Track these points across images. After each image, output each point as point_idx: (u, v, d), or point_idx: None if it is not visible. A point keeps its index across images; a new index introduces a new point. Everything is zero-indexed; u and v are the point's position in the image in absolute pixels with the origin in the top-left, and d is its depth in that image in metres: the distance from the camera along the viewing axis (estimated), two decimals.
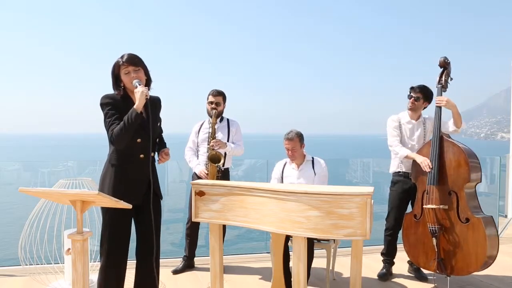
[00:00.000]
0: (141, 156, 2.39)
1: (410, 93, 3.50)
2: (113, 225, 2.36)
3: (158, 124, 2.55)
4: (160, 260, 4.02)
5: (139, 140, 2.36)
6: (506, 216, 6.24)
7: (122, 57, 2.37)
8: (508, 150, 6.69)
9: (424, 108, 3.53)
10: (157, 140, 2.64)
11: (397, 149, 3.47)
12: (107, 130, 2.31)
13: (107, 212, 2.36)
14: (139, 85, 2.33)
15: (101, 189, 2.36)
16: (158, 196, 2.52)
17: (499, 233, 5.14)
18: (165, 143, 2.75)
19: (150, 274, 2.47)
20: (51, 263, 3.45)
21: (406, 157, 3.40)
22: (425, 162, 3.21)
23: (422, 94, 3.45)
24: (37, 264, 3.39)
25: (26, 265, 3.41)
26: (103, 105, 2.35)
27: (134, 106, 2.29)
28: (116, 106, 2.34)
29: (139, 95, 2.28)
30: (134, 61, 2.37)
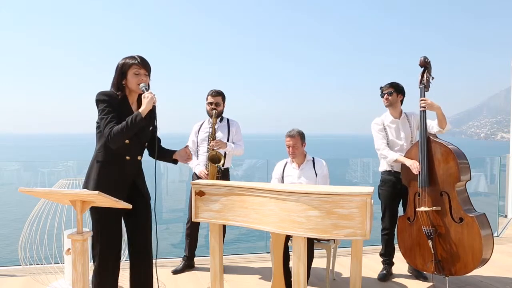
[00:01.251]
0: (127, 157, 2.39)
1: (382, 91, 3.53)
2: (104, 227, 2.35)
3: (150, 128, 2.51)
4: (160, 260, 4.04)
5: (127, 141, 2.34)
6: (506, 216, 6.24)
7: (134, 57, 2.37)
8: (508, 150, 6.69)
9: (401, 101, 3.53)
10: (148, 144, 2.58)
11: (385, 152, 3.47)
12: (103, 127, 2.29)
13: (96, 214, 2.34)
14: (147, 90, 2.34)
15: (85, 186, 2.35)
16: (145, 197, 2.50)
17: (499, 233, 5.15)
18: (167, 149, 2.68)
19: (145, 275, 2.46)
20: (51, 263, 3.45)
21: (395, 161, 3.41)
22: (414, 165, 3.21)
23: (393, 88, 3.48)
24: (37, 264, 3.39)
25: (26, 265, 3.41)
26: (99, 101, 2.33)
27: (140, 110, 2.29)
28: (112, 104, 2.32)
29: (147, 100, 2.30)
30: (147, 65, 2.41)
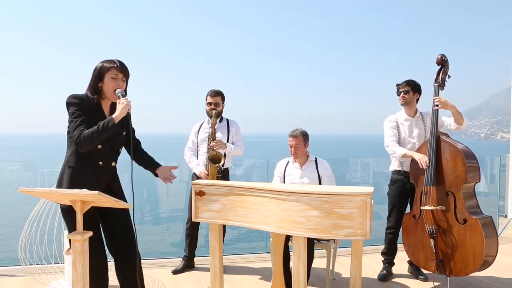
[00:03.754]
0: (100, 163, 2.34)
1: (398, 89, 3.50)
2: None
3: (124, 133, 2.47)
4: (160, 260, 4.04)
5: (100, 146, 2.30)
6: (506, 216, 6.24)
7: (113, 61, 2.33)
8: (508, 150, 6.69)
9: (417, 100, 3.51)
10: (123, 148, 2.53)
11: (394, 148, 3.44)
12: (73, 130, 2.23)
13: (71, 221, 2.25)
14: (122, 96, 2.29)
15: None
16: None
17: (499, 233, 5.14)
18: (152, 158, 2.64)
19: (133, 268, 2.41)
20: (51, 263, 3.45)
21: (404, 155, 3.38)
22: (423, 159, 3.17)
23: (410, 87, 3.45)
24: (37, 264, 3.39)
25: (26, 265, 3.41)
26: (70, 104, 2.27)
27: (113, 116, 2.23)
28: (83, 108, 2.27)
29: (122, 106, 2.24)
30: (126, 70, 2.36)
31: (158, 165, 2.59)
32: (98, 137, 2.21)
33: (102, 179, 2.37)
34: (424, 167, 3.17)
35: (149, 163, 2.60)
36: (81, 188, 2.13)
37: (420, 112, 3.52)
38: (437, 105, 3.23)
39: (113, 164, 2.42)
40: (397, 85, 3.51)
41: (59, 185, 2.32)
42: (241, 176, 5.41)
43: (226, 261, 3.93)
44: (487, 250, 2.98)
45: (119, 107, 2.25)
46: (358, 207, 2.17)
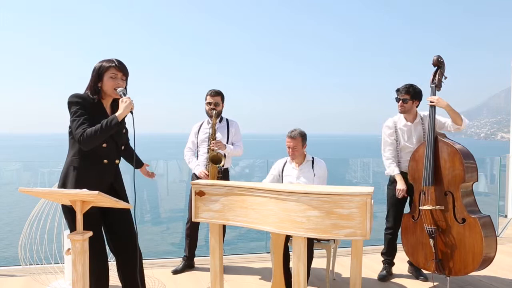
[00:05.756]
0: (105, 161, 2.34)
1: (397, 96, 3.44)
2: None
3: (124, 131, 2.50)
4: (160, 260, 4.05)
5: (104, 145, 2.31)
6: (506, 216, 6.25)
7: (112, 61, 2.33)
8: (508, 150, 6.69)
9: (417, 107, 3.47)
10: (123, 147, 2.57)
11: (387, 163, 3.54)
12: (75, 128, 2.22)
13: (72, 220, 2.25)
14: (124, 95, 2.30)
15: None
16: (124, 200, 2.43)
17: (499, 233, 5.14)
18: (139, 158, 2.86)
19: (133, 266, 2.41)
20: (51, 263, 3.45)
21: (392, 176, 3.53)
22: (399, 190, 3.41)
23: (409, 95, 3.38)
24: (37, 264, 3.39)
25: (26, 265, 3.41)
26: (72, 103, 2.27)
27: (116, 114, 2.23)
28: (84, 107, 2.27)
29: (126, 105, 2.24)
30: (125, 69, 2.37)
31: (141, 164, 2.88)
32: (102, 135, 2.21)
33: (107, 177, 2.38)
34: (399, 197, 3.40)
35: (132, 158, 2.73)
36: (87, 187, 2.13)
37: (421, 117, 3.46)
38: (432, 102, 3.24)
39: (117, 161, 2.44)
40: (397, 90, 3.44)
41: (63, 186, 2.31)
42: (241, 176, 5.41)
43: (226, 261, 3.93)
44: (486, 249, 2.98)
45: (122, 106, 2.26)
46: (358, 207, 2.17)
